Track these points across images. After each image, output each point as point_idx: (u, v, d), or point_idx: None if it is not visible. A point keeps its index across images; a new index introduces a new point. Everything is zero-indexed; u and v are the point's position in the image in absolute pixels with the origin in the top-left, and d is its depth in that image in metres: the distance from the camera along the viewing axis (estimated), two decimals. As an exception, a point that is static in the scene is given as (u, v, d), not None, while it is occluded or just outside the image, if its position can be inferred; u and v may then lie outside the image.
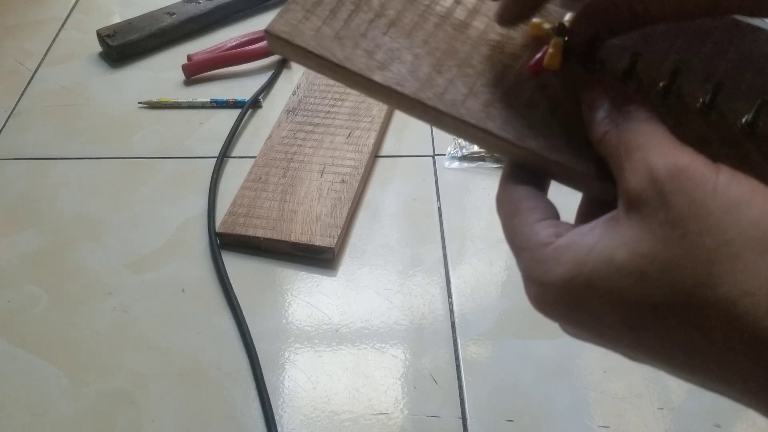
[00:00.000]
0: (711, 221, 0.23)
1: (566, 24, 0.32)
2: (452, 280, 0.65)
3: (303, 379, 0.58)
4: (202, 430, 0.55)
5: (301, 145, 0.76)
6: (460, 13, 0.34)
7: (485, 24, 0.34)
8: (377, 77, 0.32)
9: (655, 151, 0.25)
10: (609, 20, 0.30)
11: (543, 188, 0.31)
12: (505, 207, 0.30)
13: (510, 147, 0.30)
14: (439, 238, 0.69)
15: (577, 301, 0.25)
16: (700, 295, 0.22)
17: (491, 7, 0.34)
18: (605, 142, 0.27)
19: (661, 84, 0.31)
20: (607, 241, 0.25)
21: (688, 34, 0.33)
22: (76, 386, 0.58)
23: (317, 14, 0.34)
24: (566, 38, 0.31)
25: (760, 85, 0.32)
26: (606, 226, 0.25)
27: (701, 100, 0.31)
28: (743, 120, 0.30)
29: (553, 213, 0.29)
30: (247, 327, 0.61)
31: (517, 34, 0.34)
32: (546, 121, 0.30)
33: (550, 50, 0.31)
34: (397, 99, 0.32)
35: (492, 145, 0.31)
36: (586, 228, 0.26)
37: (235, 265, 0.66)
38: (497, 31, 0.34)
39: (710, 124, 0.30)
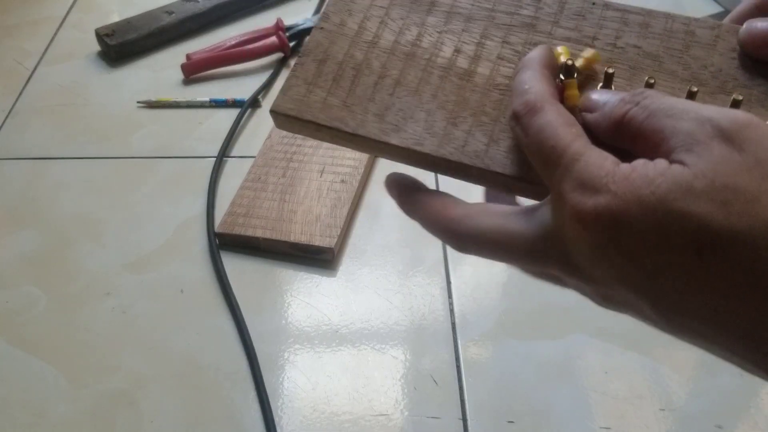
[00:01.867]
0: None
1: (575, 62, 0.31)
2: (452, 281, 0.65)
3: (302, 379, 0.58)
4: (202, 430, 0.54)
5: (300, 145, 0.76)
6: (462, 62, 0.34)
7: (490, 69, 0.33)
8: (395, 140, 0.32)
9: (705, 109, 0.25)
10: None
11: None
12: (556, 115, 0.27)
13: (544, 190, 0.29)
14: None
15: (642, 220, 0.24)
16: None
17: (492, 52, 0.34)
18: (627, 120, 0.26)
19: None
20: (678, 171, 0.24)
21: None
22: (75, 387, 0.57)
23: (320, 85, 0.33)
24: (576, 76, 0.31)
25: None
26: (666, 163, 0.24)
27: None
28: None
29: None
30: (246, 327, 0.60)
31: None
32: None
33: (571, 92, 0.30)
34: (417, 158, 0.32)
35: (523, 190, 0.31)
36: (644, 161, 0.25)
37: (235, 265, 0.66)
38: (503, 74, 0.33)
39: None
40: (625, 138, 0.27)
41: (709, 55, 0.32)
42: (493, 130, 0.32)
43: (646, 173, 0.24)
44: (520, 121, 0.28)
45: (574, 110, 0.29)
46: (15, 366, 0.59)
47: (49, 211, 0.72)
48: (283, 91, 0.33)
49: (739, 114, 0.24)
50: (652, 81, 0.30)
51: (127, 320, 0.62)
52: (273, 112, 0.33)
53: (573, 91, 0.30)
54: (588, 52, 0.32)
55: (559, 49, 0.32)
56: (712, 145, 0.24)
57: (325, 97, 0.33)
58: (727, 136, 0.24)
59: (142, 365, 0.59)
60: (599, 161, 0.25)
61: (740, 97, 0.29)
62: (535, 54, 0.30)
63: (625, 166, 0.25)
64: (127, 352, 0.60)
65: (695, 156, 0.24)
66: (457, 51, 0.34)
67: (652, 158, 0.25)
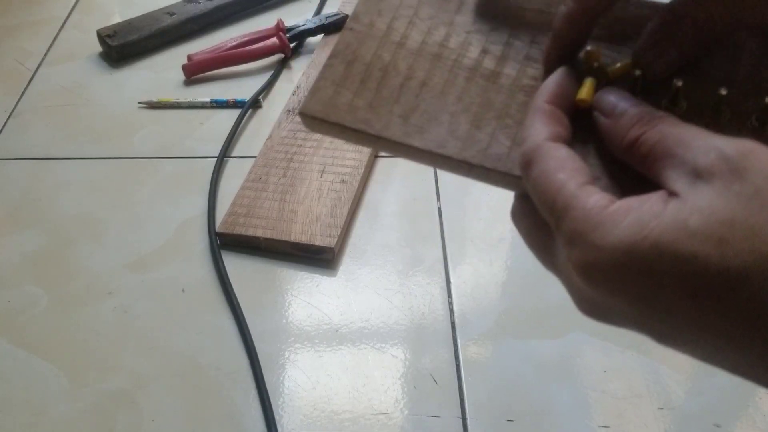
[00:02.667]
0: None
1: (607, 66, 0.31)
2: (452, 280, 0.65)
3: (303, 379, 0.58)
4: (202, 430, 0.55)
5: (301, 145, 0.76)
6: (489, 63, 0.33)
7: (516, 70, 0.33)
8: (417, 143, 0.31)
9: (714, 138, 0.25)
10: (680, 42, 0.30)
11: None
12: (546, 162, 0.27)
13: None
14: (439, 238, 0.69)
15: (638, 266, 0.24)
16: None
17: (520, 52, 0.33)
18: (640, 143, 0.26)
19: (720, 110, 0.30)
20: (676, 208, 0.23)
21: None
22: (76, 386, 0.58)
23: (347, 87, 0.33)
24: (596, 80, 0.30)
25: None
26: (663, 198, 0.24)
27: (753, 118, 0.29)
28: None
29: (593, 180, 0.27)
30: (247, 327, 0.61)
31: None
32: (597, 162, 0.29)
33: (585, 88, 0.30)
34: (440, 161, 0.31)
35: None
36: (638, 198, 0.25)
37: (235, 265, 0.66)
38: (530, 75, 0.33)
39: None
40: (635, 159, 0.27)
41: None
42: (517, 132, 0.31)
43: (639, 217, 0.24)
44: (522, 173, 0.29)
45: (586, 107, 0.29)
46: (16, 365, 0.59)
47: (50, 211, 0.73)
48: (312, 92, 0.33)
49: (744, 142, 0.24)
50: (680, 84, 0.29)
51: (128, 320, 0.62)
52: (302, 114, 0.33)
53: (585, 89, 0.30)
54: (623, 62, 0.31)
55: (590, 48, 0.31)
56: (713, 175, 0.24)
57: (352, 98, 0.33)
58: (730, 165, 0.23)
59: (143, 364, 0.59)
60: (585, 213, 0.25)
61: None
62: (545, 85, 0.30)
63: (617, 210, 0.25)
64: (128, 351, 0.60)
65: (694, 189, 0.24)
66: (485, 51, 0.34)
67: (657, 183, 0.25)
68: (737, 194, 0.23)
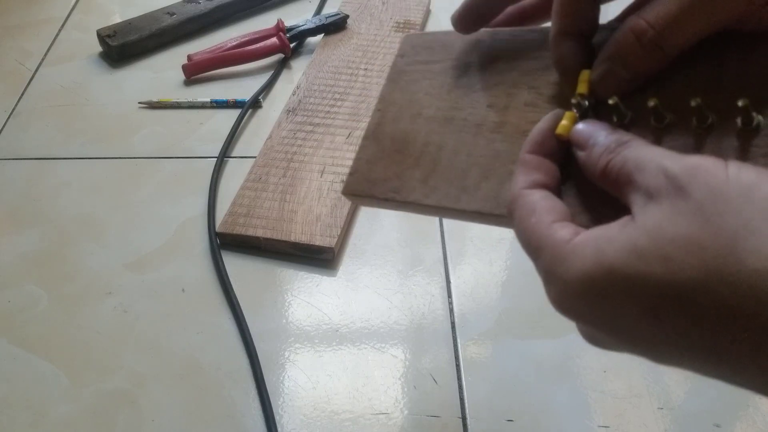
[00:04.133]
0: (729, 205, 0.23)
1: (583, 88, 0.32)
2: (452, 280, 0.65)
3: (303, 378, 0.58)
4: (202, 430, 0.55)
5: (301, 145, 0.76)
6: (493, 117, 0.36)
7: (518, 117, 0.35)
8: (432, 201, 0.35)
9: (665, 158, 0.26)
10: (637, 63, 0.30)
11: (558, 193, 0.31)
12: (522, 209, 0.30)
13: None
14: (439, 238, 0.69)
15: (598, 293, 0.25)
16: (727, 272, 0.22)
17: (520, 100, 0.36)
18: (609, 170, 0.28)
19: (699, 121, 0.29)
20: (628, 232, 0.25)
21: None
22: (76, 386, 0.58)
23: (377, 162, 0.38)
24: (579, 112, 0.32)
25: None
26: (624, 222, 0.26)
27: (738, 120, 0.29)
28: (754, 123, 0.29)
29: (568, 215, 0.29)
30: (247, 327, 0.61)
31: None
32: (579, 196, 0.31)
33: (564, 122, 0.31)
34: (455, 213, 0.34)
35: None
36: (602, 227, 0.26)
37: (235, 264, 0.66)
38: (530, 120, 0.34)
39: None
40: (607, 186, 0.28)
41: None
42: None
43: (597, 245, 0.25)
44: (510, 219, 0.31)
45: (564, 139, 0.31)
46: (16, 365, 0.59)
47: (50, 211, 0.73)
48: (351, 173, 0.38)
49: (691, 159, 0.25)
50: (652, 104, 0.29)
51: (128, 320, 0.62)
52: (344, 193, 0.38)
53: (564, 123, 0.31)
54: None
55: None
56: (661, 195, 0.25)
57: (382, 172, 0.37)
58: (676, 183, 0.24)
59: (143, 364, 0.59)
60: (552, 250, 0.27)
61: (742, 102, 0.27)
62: (529, 136, 0.32)
63: (580, 241, 0.26)
64: (128, 351, 0.60)
65: (644, 210, 0.25)
66: (490, 106, 0.36)
67: (624, 203, 0.27)
68: (681, 211, 0.24)
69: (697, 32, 0.29)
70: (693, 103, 0.28)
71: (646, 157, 0.26)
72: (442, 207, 0.34)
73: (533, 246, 0.28)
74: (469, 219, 0.34)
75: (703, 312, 0.23)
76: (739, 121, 0.28)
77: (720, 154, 0.28)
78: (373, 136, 0.39)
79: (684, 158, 0.25)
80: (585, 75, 0.32)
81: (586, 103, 0.32)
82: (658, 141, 0.30)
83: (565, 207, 0.29)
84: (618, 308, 0.25)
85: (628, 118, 0.31)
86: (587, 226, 0.28)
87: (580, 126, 0.30)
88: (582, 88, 0.32)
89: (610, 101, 0.30)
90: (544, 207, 0.29)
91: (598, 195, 0.29)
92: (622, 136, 0.28)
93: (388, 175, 0.37)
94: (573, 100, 0.32)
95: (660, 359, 0.26)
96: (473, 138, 0.36)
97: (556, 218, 0.28)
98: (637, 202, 0.26)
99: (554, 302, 0.27)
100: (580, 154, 0.30)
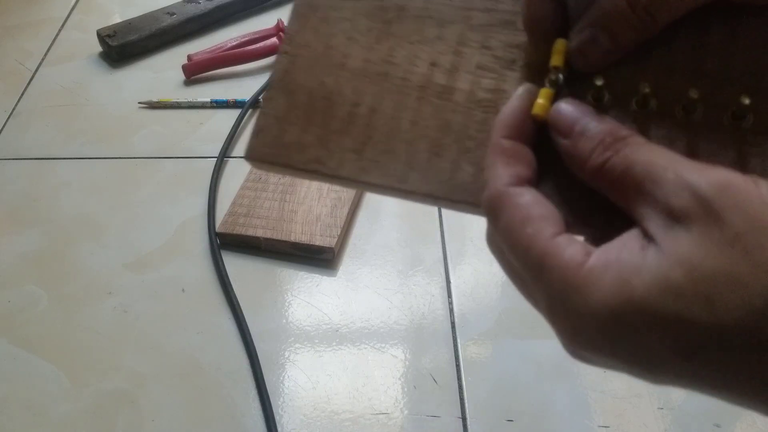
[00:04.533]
0: None
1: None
2: (452, 280, 0.65)
3: (303, 378, 0.58)
4: (202, 430, 0.55)
5: (301, 145, 0.76)
6: (439, 78, 0.30)
7: (470, 83, 0.30)
8: (375, 179, 0.29)
9: (685, 169, 0.23)
10: (624, 32, 0.26)
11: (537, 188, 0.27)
12: (510, 214, 0.25)
13: None
14: (439, 238, 0.69)
15: (624, 330, 0.22)
16: None
17: (470, 61, 0.30)
18: (606, 171, 0.24)
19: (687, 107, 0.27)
20: (657, 263, 0.22)
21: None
22: (76, 386, 0.58)
23: (292, 121, 0.30)
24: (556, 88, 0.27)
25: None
26: (644, 245, 0.23)
27: (729, 114, 0.27)
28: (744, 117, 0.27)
29: (564, 225, 0.25)
30: (247, 327, 0.61)
31: (509, 86, 0.29)
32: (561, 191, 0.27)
33: (540, 100, 0.27)
34: (404, 195, 0.29)
35: None
36: (616, 247, 0.23)
37: (235, 265, 0.66)
38: (485, 88, 0.29)
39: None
40: (600, 186, 0.25)
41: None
42: (480, 156, 0.28)
43: (620, 275, 0.22)
44: (488, 221, 0.27)
45: (541, 121, 0.27)
46: (16, 365, 0.59)
47: (50, 211, 0.73)
48: (255, 133, 0.30)
49: (717, 174, 0.22)
50: (647, 90, 0.26)
51: (128, 320, 0.62)
52: (247, 157, 0.31)
53: (541, 101, 0.27)
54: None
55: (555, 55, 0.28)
56: (689, 219, 0.22)
57: (299, 134, 0.30)
58: (706, 206, 0.22)
59: (143, 364, 0.59)
60: (560, 274, 0.23)
61: (746, 101, 0.26)
62: (500, 116, 0.27)
63: (595, 267, 0.23)
64: (128, 351, 0.60)
65: (671, 236, 0.22)
66: (433, 64, 0.30)
67: (628, 215, 0.24)
68: (717, 242, 0.21)
69: None
70: (694, 95, 0.26)
71: (657, 163, 0.23)
72: (387, 186, 0.29)
73: (532, 263, 0.24)
74: (421, 201, 0.29)
75: (745, 354, 0.21)
76: (730, 114, 0.26)
77: (712, 151, 0.26)
78: (282, 86, 0.31)
79: (708, 172, 0.22)
80: (560, 44, 0.27)
81: (562, 77, 0.27)
82: (641, 129, 0.26)
83: (558, 212, 0.25)
84: (647, 347, 0.22)
85: (606, 98, 0.27)
86: (573, 231, 0.25)
87: (563, 106, 0.26)
88: (557, 60, 0.27)
89: (597, 82, 0.26)
90: (540, 214, 0.25)
91: (585, 194, 0.26)
92: (617, 128, 0.25)
93: (309, 139, 0.30)
94: (551, 76, 0.27)
95: (673, 386, 0.24)
96: (417, 103, 0.30)
97: (557, 230, 0.24)
98: (655, 221, 0.23)
99: (564, 335, 0.25)
100: (563, 142, 0.26)
